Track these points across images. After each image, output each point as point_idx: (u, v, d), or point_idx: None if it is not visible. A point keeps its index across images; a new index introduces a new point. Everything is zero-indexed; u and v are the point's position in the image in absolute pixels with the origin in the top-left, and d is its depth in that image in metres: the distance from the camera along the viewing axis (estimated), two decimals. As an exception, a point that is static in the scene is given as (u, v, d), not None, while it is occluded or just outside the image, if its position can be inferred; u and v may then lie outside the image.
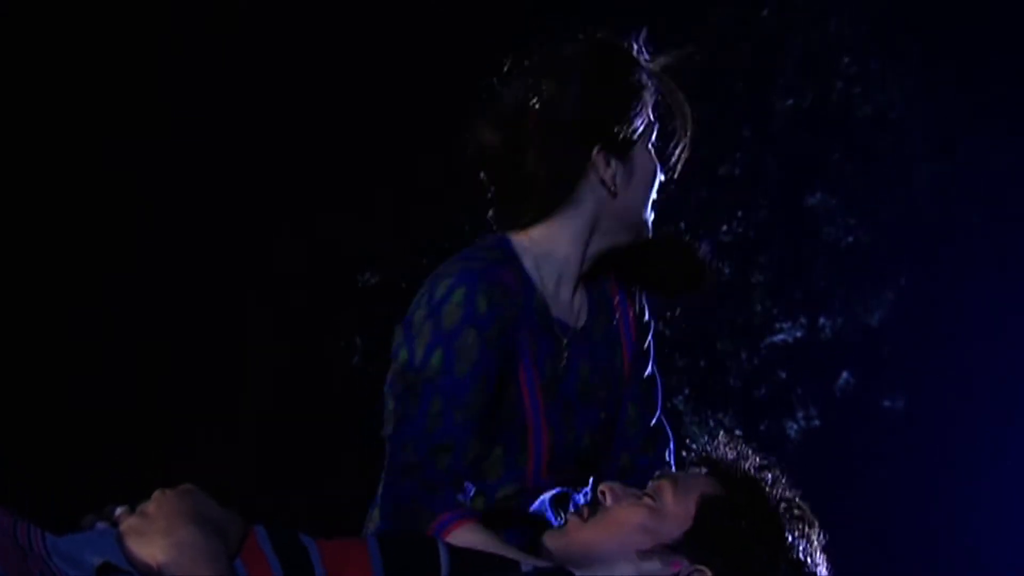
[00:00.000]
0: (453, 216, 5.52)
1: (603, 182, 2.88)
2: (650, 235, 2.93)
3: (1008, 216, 6.54)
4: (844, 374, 6.79)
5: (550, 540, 2.71)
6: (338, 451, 5.95)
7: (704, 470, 2.73)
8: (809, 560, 2.65)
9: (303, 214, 6.16)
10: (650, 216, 2.95)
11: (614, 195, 2.89)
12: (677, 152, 2.96)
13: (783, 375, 6.75)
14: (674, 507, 2.65)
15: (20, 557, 2.25)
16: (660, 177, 2.94)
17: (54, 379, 5.71)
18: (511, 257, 2.86)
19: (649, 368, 3.03)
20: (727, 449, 2.73)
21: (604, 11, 5.42)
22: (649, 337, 3.03)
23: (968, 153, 6.62)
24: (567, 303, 2.93)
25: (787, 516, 2.66)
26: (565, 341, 2.91)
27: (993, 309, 6.51)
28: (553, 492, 2.90)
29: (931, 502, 6.48)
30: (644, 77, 2.90)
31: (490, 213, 2.96)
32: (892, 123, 6.68)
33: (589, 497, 2.92)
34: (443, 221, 5.71)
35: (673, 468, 2.97)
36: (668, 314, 3.30)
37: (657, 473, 2.79)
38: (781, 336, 6.75)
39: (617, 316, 3.00)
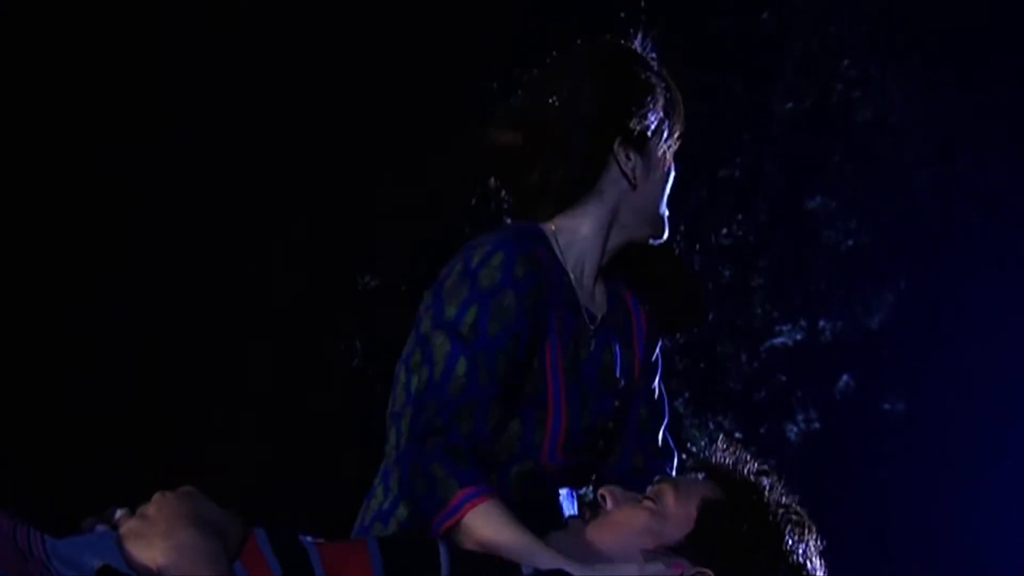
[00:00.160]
0: (453, 219, 5.53)
1: (624, 174, 2.92)
2: (667, 233, 2.98)
3: (1007, 218, 6.54)
4: (844, 377, 6.79)
5: (553, 541, 2.72)
6: (338, 452, 5.95)
7: (703, 475, 2.75)
8: (808, 564, 2.67)
9: (303, 216, 6.16)
10: (667, 213, 3.00)
11: (634, 187, 2.93)
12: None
13: (783, 378, 6.76)
14: (675, 510, 2.67)
15: (20, 561, 2.25)
16: (673, 174, 2.99)
17: (54, 379, 5.71)
18: (544, 239, 2.90)
19: (657, 381, 3.06)
20: (726, 454, 2.75)
21: (604, 13, 5.43)
22: (657, 351, 3.06)
23: (967, 156, 6.63)
24: (590, 291, 2.96)
25: (786, 520, 2.68)
26: (592, 328, 2.94)
27: (993, 311, 6.51)
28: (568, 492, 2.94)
29: (931, 504, 6.48)
30: (653, 76, 2.94)
31: (495, 207, 2.99)
32: (892, 126, 6.69)
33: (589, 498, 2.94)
34: (443, 224, 5.71)
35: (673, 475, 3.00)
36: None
37: (657, 477, 2.81)
38: (781, 339, 6.75)
39: (631, 319, 3.04)
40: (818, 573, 2.68)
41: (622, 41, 2.99)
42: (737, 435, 6.37)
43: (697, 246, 6.39)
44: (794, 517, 2.69)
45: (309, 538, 2.51)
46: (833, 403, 6.78)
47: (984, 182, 6.59)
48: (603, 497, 2.72)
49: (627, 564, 2.63)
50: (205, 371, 6.00)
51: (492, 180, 2.98)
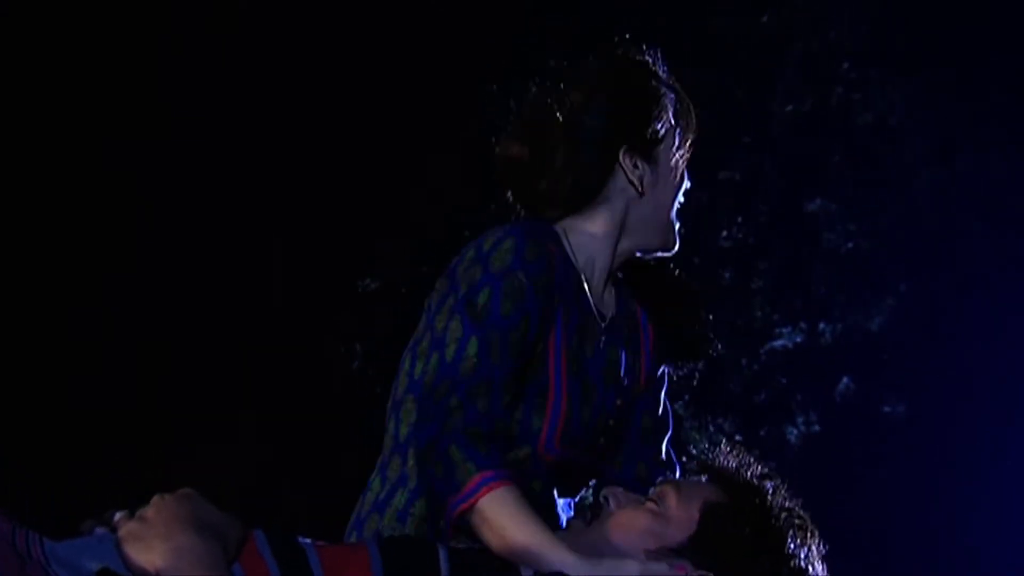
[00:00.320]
0: (454, 222, 5.53)
1: (631, 182, 2.93)
2: (678, 243, 2.99)
3: (1007, 221, 6.55)
4: (844, 379, 6.80)
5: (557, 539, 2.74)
6: (338, 454, 5.95)
7: (706, 477, 2.75)
8: (811, 568, 2.67)
9: (304, 218, 6.17)
10: (677, 224, 3.01)
11: (641, 194, 2.94)
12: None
13: (783, 380, 6.76)
14: (678, 512, 2.67)
15: (19, 564, 2.25)
16: (687, 184, 3.01)
17: (54, 379, 5.72)
18: (555, 234, 2.92)
19: (662, 395, 3.08)
20: (730, 457, 2.76)
21: (604, 15, 5.43)
22: (663, 366, 3.09)
23: (967, 159, 6.63)
24: (599, 292, 2.99)
25: (789, 524, 2.68)
26: (602, 325, 2.97)
27: (993, 314, 6.51)
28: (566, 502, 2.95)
29: (931, 505, 6.49)
30: (663, 87, 2.97)
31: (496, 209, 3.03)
32: (892, 129, 6.69)
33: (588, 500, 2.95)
34: (444, 227, 5.71)
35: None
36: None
37: (660, 479, 2.81)
38: (781, 341, 6.76)
39: (639, 329, 3.06)
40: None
41: (632, 53, 3.03)
42: (737, 437, 6.37)
43: (697, 249, 6.40)
44: (797, 521, 2.68)
45: (308, 540, 2.51)
46: (833, 405, 6.78)
47: (984, 185, 6.59)
48: (606, 498, 2.73)
49: (629, 561, 2.64)
50: (205, 372, 6.00)
51: (506, 191, 3.01)
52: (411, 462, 2.87)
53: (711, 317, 3.05)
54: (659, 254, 3.03)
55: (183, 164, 5.92)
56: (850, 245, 6.76)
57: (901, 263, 6.72)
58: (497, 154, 3.01)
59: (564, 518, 2.91)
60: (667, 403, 3.10)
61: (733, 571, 2.62)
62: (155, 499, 2.41)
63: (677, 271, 3.08)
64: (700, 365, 3.07)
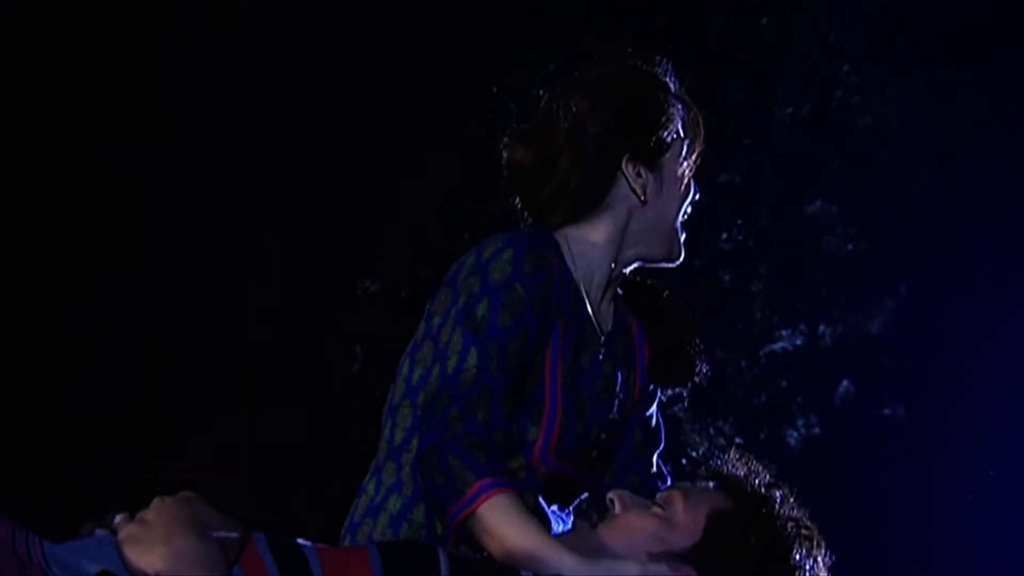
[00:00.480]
0: (454, 224, 5.54)
1: (633, 190, 2.95)
2: (682, 254, 3.01)
3: (1007, 224, 6.54)
4: (844, 382, 6.79)
5: (560, 542, 2.74)
6: (338, 456, 5.95)
7: (714, 485, 2.75)
8: (816, 577, 2.68)
9: (304, 219, 6.16)
10: (682, 235, 3.02)
11: (644, 203, 2.96)
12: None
13: (783, 383, 6.76)
14: (684, 518, 2.67)
15: (18, 567, 2.25)
16: (694, 195, 3.02)
17: (54, 379, 5.72)
18: (554, 244, 2.95)
19: (654, 409, 3.09)
20: (738, 465, 2.76)
21: (604, 15, 5.43)
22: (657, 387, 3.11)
23: (967, 162, 6.63)
24: (597, 304, 3.00)
25: (796, 534, 2.68)
26: (602, 338, 2.98)
27: (992, 317, 6.51)
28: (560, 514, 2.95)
29: (931, 508, 6.48)
30: (671, 97, 2.98)
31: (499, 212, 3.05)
32: (891, 132, 6.69)
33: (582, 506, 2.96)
34: (444, 229, 5.71)
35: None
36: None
37: (667, 484, 2.82)
38: (781, 344, 6.75)
39: (634, 345, 3.07)
40: (825, 586, 2.70)
41: (640, 63, 3.04)
42: (737, 440, 6.36)
43: (697, 251, 6.39)
44: (804, 532, 2.68)
45: (308, 543, 2.51)
46: (833, 408, 6.78)
47: (983, 188, 6.59)
48: (612, 501, 2.73)
49: (630, 563, 2.64)
50: (205, 373, 6.00)
51: (512, 196, 3.05)
52: (406, 468, 2.88)
53: (701, 344, 3.06)
54: (663, 264, 3.04)
55: (183, 164, 5.92)
56: (850, 247, 6.76)
57: (901, 266, 6.71)
58: (503, 159, 3.03)
59: (557, 530, 2.92)
60: (659, 417, 3.11)
61: (738, 578, 2.63)
62: (155, 502, 2.41)
63: (671, 294, 3.09)
64: (687, 389, 3.08)
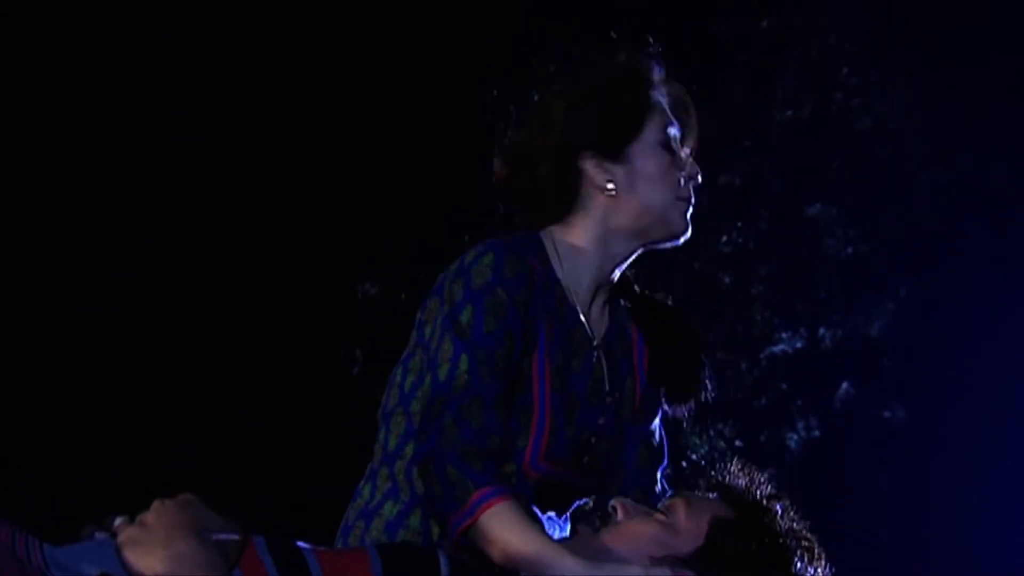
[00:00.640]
0: (454, 227, 5.53)
1: (596, 186, 2.95)
2: (687, 228, 2.98)
3: (1007, 226, 6.54)
4: (844, 384, 6.79)
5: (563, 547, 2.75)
6: (338, 459, 5.94)
7: (716, 494, 2.77)
8: (817, 587, 2.69)
9: (304, 220, 6.16)
10: (686, 209, 2.99)
11: (614, 196, 2.95)
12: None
13: (783, 385, 6.75)
14: (686, 524, 2.68)
15: (18, 569, 2.26)
16: (687, 174, 3.00)
17: (54, 379, 5.71)
18: (539, 248, 2.96)
19: (657, 423, 3.09)
20: (740, 475, 2.77)
21: (604, 17, 5.43)
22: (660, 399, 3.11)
23: (967, 163, 6.63)
24: (587, 305, 3.00)
25: (797, 545, 2.69)
26: (594, 341, 2.98)
27: (992, 318, 6.51)
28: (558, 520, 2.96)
29: (931, 510, 6.48)
30: (637, 83, 2.99)
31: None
32: (891, 133, 6.68)
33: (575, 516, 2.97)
34: (444, 231, 5.71)
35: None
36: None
37: (670, 492, 2.83)
38: (781, 346, 6.75)
39: (633, 350, 3.07)
40: (825, 597, 2.71)
41: (616, 54, 3.04)
42: (737, 443, 6.36)
43: (697, 253, 6.40)
44: (805, 543, 2.70)
45: (308, 545, 2.52)
46: (833, 410, 6.78)
47: (984, 190, 6.59)
48: (615, 508, 2.74)
49: (632, 566, 2.65)
50: (205, 374, 6.00)
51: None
52: (400, 475, 2.90)
53: (708, 363, 3.06)
54: (672, 243, 3.00)
55: (183, 164, 5.91)
56: (850, 250, 6.76)
57: (901, 268, 6.71)
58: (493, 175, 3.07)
59: (554, 535, 2.92)
60: (663, 432, 3.11)
61: (740, 586, 2.64)
62: (155, 504, 2.41)
63: (677, 310, 3.09)
64: (691, 407, 3.07)
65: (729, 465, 2.78)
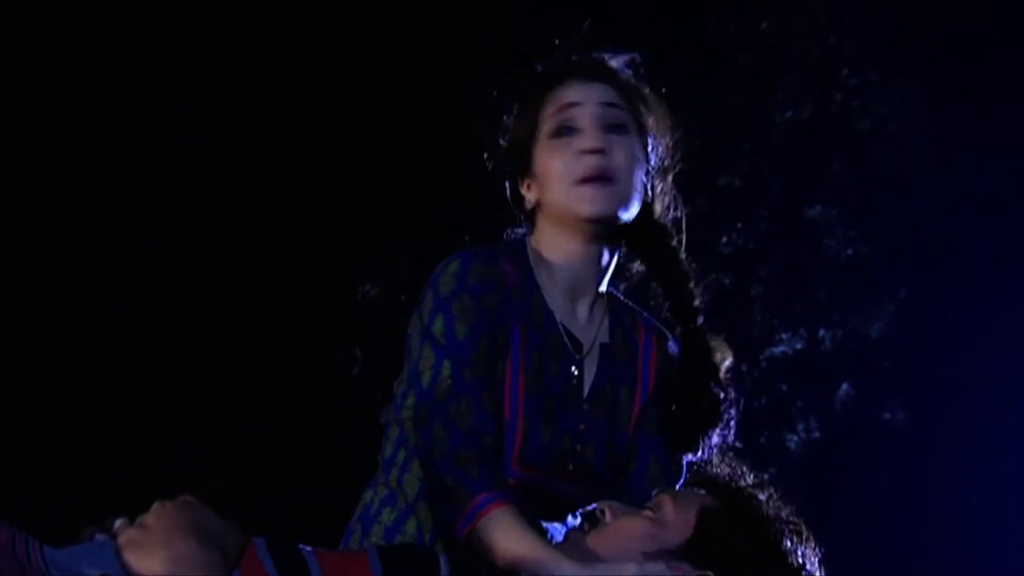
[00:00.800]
0: (454, 227, 5.52)
1: (529, 202, 3.09)
2: (593, 210, 3.02)
3: (1008, 227, 6.53)
4: (844, 386, 6.78)
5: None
6: (338, 460, 5.95)
7: (701, 486, 2.80)
8: (808, 565, 2.72)
9: (304, 222, 6.16)
10: (583, 188, 3.03)
11: (541, 206, 3.07)
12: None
13: (783, 387, 6.74)
14: (674, 518, 2.72)
15: (19, 571, 2.26)
16: (581, 148, 3.03)
17: (54, 379, 5.71)
18: (520, 255, 3.03)
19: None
20: (722, 466, 2.81)
21: (604, 18, 5.42)
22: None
23: (968, 165, 6.61)
24: (568, 311, 3.05)
25: (784, 527, 2.73)
26: (570, 346, 3.02)
27: (993, 319, 6.50)
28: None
29: (932, 512, 6.47)
30: (538, 89, 3.09)
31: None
32: (892, 135, 6.67)
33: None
34: (444, 234, 5.70)
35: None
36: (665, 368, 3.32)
37: (655, 491, 2.85)
38: (781, 348, 6.73)
39: (638, 362, 3.08)
40: (817, 574, 2.73)
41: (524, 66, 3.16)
42: (737, 444, 6.34)
43: (697, 255, 6.37)
44: (792, 525, 2.74)
45: (309, 548, 2.52)
46: (833, 412, 6.77)
47: (984, 191, 6.58)
48: (602, 511, 2.77)
49: (627, 564, 2.67)
50: (205, 374, 6.00)
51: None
52: (393, 483, 2.94)
53: (725, 393, 3.06)
54: (595, 225, 3.06)
55: (183, 164, 5.91)
56: (850, 251, 6.74)
57: (901, 269, 6.70)
58: None
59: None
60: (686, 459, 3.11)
61: (732, 570, 2.66)
62: (155, 506, 2.43)
63: (706, 337, 3.09)
64: (706, 446, 3.08)
65: (711, 459, 2.83)
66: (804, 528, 2.76)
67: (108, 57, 5.79)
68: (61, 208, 5.78)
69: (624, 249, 3.14)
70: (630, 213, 3.02)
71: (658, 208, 3.12)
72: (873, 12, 6.67)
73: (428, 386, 2.87)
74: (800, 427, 6.77)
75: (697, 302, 3.13)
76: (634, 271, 3.17)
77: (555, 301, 3.02)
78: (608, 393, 3.04)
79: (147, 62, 5.85)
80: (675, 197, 3.14)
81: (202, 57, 5.88)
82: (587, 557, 2.71)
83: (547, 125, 3.05)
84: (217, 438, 6.04)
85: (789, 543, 2.72)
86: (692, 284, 3.15)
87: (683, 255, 3.14)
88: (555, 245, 3.06)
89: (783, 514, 2.76)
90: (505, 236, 3.16)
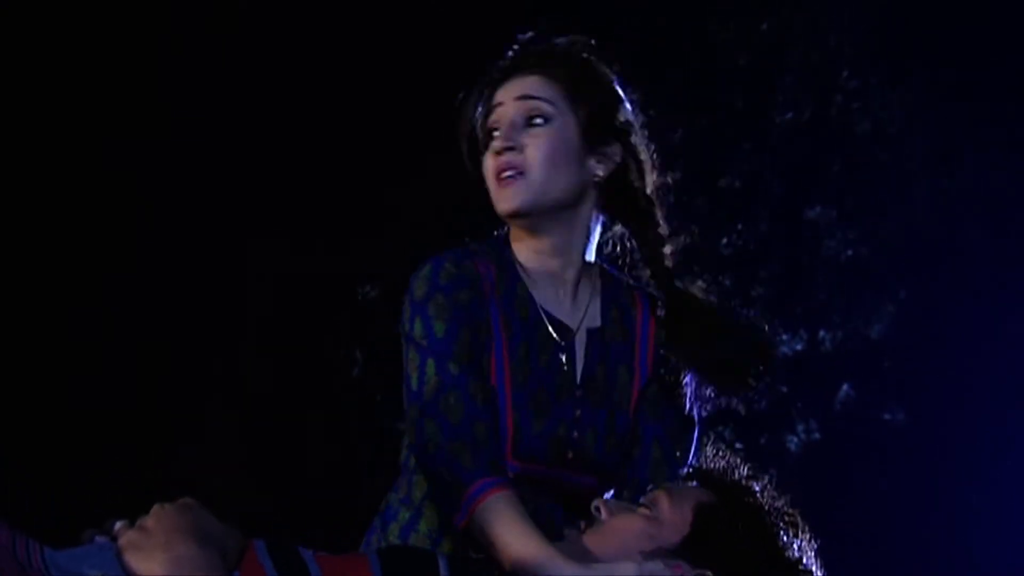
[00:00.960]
0: (454, 229, 5.51)
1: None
2: (503, 204, 3.09)
3: (1008, 229, 6.53)
4: (844, 387, 6.77)
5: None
6: (338, 461, 5.95)
7: (695, 482, 2.81)
8: (805, 558, 2.73)
9: (304, 222, 6.16)
10: (493, 186, 3.12)
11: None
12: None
13: (783, 388, 6.74)
14: (671, 515, 2.72)
15: (19, 573, 2.26)
16: (491, 149, 3.10)
17: (54, 379, 5.71)
18: (499, 251, 3.07)
19: (681, 409, 3.10)
20: (716, 461, 2.82)
21: (604, 18, 5.42)
22: (692, 410, 3.12)
23: (968, 166, 6.61)
24: (554, 299, 3.08)
25: (780, 520, 2.74)
26: (563, 342, 3.04)
27: (993, 320, 6.50)
28: None
29: (932, 513, 6.47)
30: (471, 95, 3.15)
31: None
32: (892, 137, 6.67)
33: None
34: (444, 234, 5.68)
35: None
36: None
37: (650, 487, 2.85)
38: (781, 349, 6.73)
39: (636, 341, 3.09)
40: (814, 568, 2.73)
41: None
42: (737, 445, 6.35)
43: (697, 256, 6.36)
44: (787, 517, 2.75)
45: (309, 551, 2.53)
46: (833, 413, 6.76)
47: (984, 192, 6.57)
48: (597, 509, 2.77)
49: (626, 563, 2.67)
50: (205, 375, 6.00)
51: None
52: (405, 484, 2.94)
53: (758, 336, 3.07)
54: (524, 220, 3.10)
55: (183, 164, 5.91)
56: (850, 252, 6.74)
57: (901, 271, 6.70)
58: None
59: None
60: (693, 435, 3.11)
61: (730, 567, 2.67)
62: (155, 508, 2.44)
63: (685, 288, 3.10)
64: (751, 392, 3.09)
65: (705, 452, 2.84)
66: (799, 519, 2.77)
67: (108, 57, 5.80)
68: (61, 208, 5.78)
69: (602, 216, 3.16)
70: (557, 197, 3.05)
71: (633, 171, 3.14)
72: (873, 13, 6.67)
73: (417, 388, 2.90)
74: (800, 428, 6.77)
75: (668, 263, 3.15)
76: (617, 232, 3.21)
77: (538, 290, 3.05)
78: (603, 376, 3.05)
79: (147, 62, 5.85)
80: (649, 157, 3.16)
81: (202, 57, 5.89)
82: (584, 556, 2.71)
83: (482, 131, 3.13)
84: (217, 439, 6.04)
85: (786, 536, 2.73)
86: (665, 247, 3.17)
87: (659, 216, 3.15)
88: (517, 239, 3.10)
89: (778, 505, 2.77)
90: (496, 234, 3.19)
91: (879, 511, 6.52)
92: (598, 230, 3.14)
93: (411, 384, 2.91)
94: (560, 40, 3.21)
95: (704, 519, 2.72)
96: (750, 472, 2.81)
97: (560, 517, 2.95)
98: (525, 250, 3.07)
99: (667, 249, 3.18)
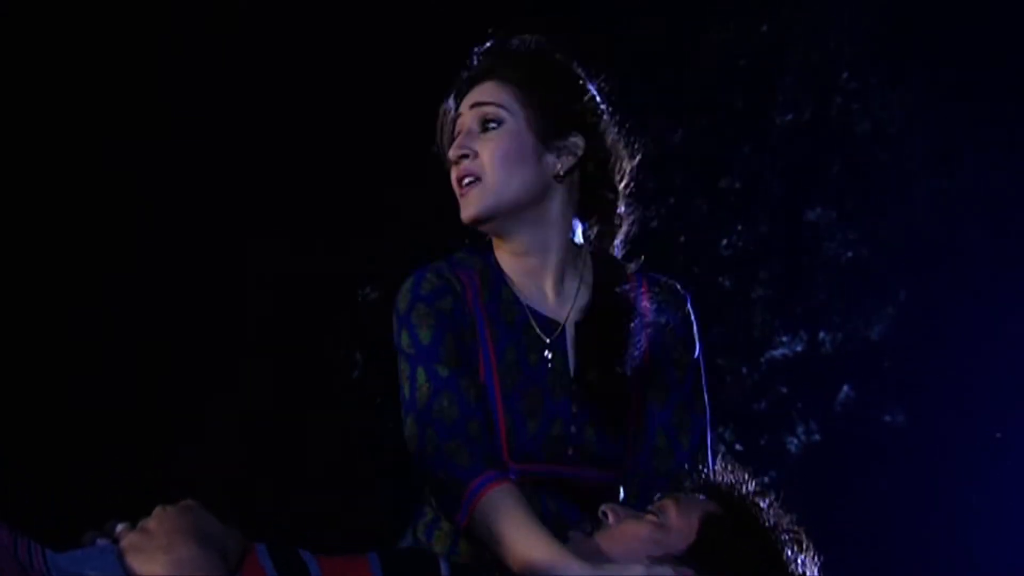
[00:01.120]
0: (454, 230, 5.51)
1: None
2: (464, 213, 3.15)
3: (1008, 229, 6.53)
4: (844, 388, 6.78)
5: None
6: (338, 463, 5.95)
7: (703, 494, 2.81)
8: (808, 574, 2.73)
9: (305, 224, 6.16)
10: (463, 196, 3.16)
11: None
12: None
13: (783, 389, 6.74)
14: (678, 523, 2.73)
15: (20, 574, 2.27)
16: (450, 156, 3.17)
17: (54, 379, 5.71)
18: (484, 257, 3.11)
19: (687, 395, 3.10)
20: (725, 474, 2.83)
21: (604, 18, 5.42)
22: (694, 355, 3.12)
23: (968, 167, 6.61)
24: (540, 297, 3.09)
25: (785, 536, 2.74)
26: (540, 331, 3.05)
27: (993, 321, 6.50)
28: None
29: (931, 513, 6.47)
30: (442, 111, 3.26)
31: None
32: (892, 138, 6.67)
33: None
34: (445, 236, 5.69)
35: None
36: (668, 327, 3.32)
37: (658, 495, 2.86)
38: (781, 350, 6.73)
39: (632, 318, 3.10)
40: (818, 582, 2.75)
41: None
42: (737, 447, 6.35)
43: (697, 257, 6.39)
44: (792, 534, 2.76)
45: (310, 553, 2.53)
46: (833, 414, 6.77)
47: (984, 192, 6.58)
48: (605, 514, 2.78)
49: (634, 566, 2.67)
50: (205, 375, 6.00)
51: None
52: (427, 492, 2.97)
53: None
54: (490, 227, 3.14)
55: (183, 164, 5.91)
56: (850, 254, 6.74)
57: (901, 272, 6.70)
58: None
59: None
60: (702, 429, 3.10)
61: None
62: (156, 510, 2.44)
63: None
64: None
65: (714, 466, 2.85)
66: (804, 537, 2.78)
67: (108, 57, 5.79)
68: (61, 208, 5.78)
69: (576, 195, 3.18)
70: (517, 198, 3.07)
71: (596, 163, 3.16)
72: (873, 14, 6.67)
73: (410, 396, 2.93)
74: (800, 429, 6.77)
75: (617, 254, 3.18)
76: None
77: (523, 290, 3.07)
78: (598, 366, 3.05)
79: (147, 62, 5.85)
80: (618, 148, 3.18)
81: (202, 57, 5.89)
82: (591, 559, 2.72)
83: (448, 145, 3.18)
84: (217, 439, 6.04)
85: (790, 552, 2.74)
86: (616, 238, 3.20)
87: (621, 210, 3.18)
88: (496, 243, 3.14)
89: (784, 522, 2.78)
90: (488, 240, 3.22)
91: (879, 512, 6.52)
92: (577, 222, 3.15)
93: (404, 394, 2.95)
94: (514, 41, 3.23)
95: (710, 529, 2.74)
96: (758, 488, 2.82)
97: (574, 516, 2.96)
98: (504, 253, 3.10)
99: (617, 240, 3.21)
